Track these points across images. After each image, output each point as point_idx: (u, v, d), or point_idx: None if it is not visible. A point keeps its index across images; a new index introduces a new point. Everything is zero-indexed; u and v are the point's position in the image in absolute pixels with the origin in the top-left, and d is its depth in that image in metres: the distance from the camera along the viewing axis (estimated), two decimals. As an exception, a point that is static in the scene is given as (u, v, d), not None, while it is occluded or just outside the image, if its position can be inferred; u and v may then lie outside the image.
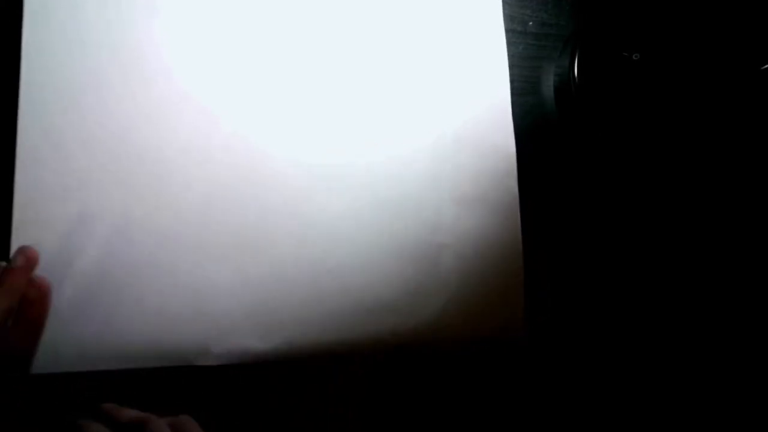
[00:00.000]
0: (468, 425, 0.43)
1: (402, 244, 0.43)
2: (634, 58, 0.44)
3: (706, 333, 0.46)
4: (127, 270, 0.39)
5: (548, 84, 0.47)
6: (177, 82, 0.42)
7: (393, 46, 0.45)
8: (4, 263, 0.35)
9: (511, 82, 0.46)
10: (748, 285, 0.47)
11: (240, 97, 0.43)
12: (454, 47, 0.46)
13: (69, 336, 0.38)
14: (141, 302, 0.39)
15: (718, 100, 0.44)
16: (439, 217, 0.44)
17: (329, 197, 0.43)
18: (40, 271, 0.36)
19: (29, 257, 0.35)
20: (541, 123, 0.47)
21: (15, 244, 0.38)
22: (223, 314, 0.40)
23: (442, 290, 0.43)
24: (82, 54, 0.41)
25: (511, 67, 0.47)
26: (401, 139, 0.44)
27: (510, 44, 0.47)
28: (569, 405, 0.44)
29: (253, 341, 0.40)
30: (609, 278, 0.47)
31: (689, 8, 0.45)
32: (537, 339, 0.45)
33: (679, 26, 0.45)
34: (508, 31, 0.47)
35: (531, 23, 0.48)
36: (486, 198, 0.45)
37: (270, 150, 0.42)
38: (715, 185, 0.48)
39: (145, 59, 0.41)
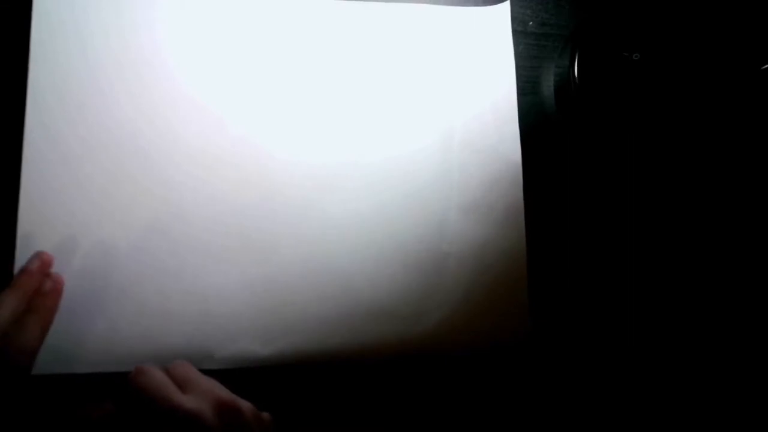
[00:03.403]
0: (472, 428, 0.43)
1: (408, 251, 0.44)
2: (634, 58, 0.44)
3: (710, 335, 0.46)
4: (131, 272, 0.40)
5: (548, 84, 0.47)
6: (183, 87, 0.42)
7: (402, 55, 0.45)
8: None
9: (511, 82, 0.47)
10: (749, 285, 0.47)
11: (246, 102, 0.43)
12: (462, 54, 0.46)
13: (72, 337, 0.38)
14: (144, 304, 0.40)
15: (718, 100, 0.44)
16: (444, 224, 0.44)
17: (336, 203, 0.43)
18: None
19: (44, 261, 0.37)
20: (541, 123, 0.48)
21: (20, 246, 0.38)
22: (227, 318, 0.41)
23: (447, 297, 0.44)
24: (86, 58, 0.41)
25: (511, 67, 0.47)
26: (408, 146, 0.45)
27: (510, 44, 0.47)
28: (573, 408, 0.44)
29: (258, 346, 0.41)
30: (609, 278, 0.47)
31: (689, 8, 0.45)
32: (540, 342, 0.45)
33: (679, 26, 0.45)
34: (508, 31, 0.47)
35: (531, 23, 0.48)
36: (492, 206, 0.45)
37: (277, 155, 0.43)
38: (716, 185, 0.48)
39: (150, 64, 0.42)
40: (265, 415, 0.32)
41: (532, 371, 0.44)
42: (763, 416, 0.44)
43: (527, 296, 0.45)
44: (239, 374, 0.40)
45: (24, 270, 0.36)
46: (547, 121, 0.48)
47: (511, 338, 0.44)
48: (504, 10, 0.47)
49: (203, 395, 0.30)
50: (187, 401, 0.29)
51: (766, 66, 0.44)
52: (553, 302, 0.46)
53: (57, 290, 0.37)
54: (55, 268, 0.38)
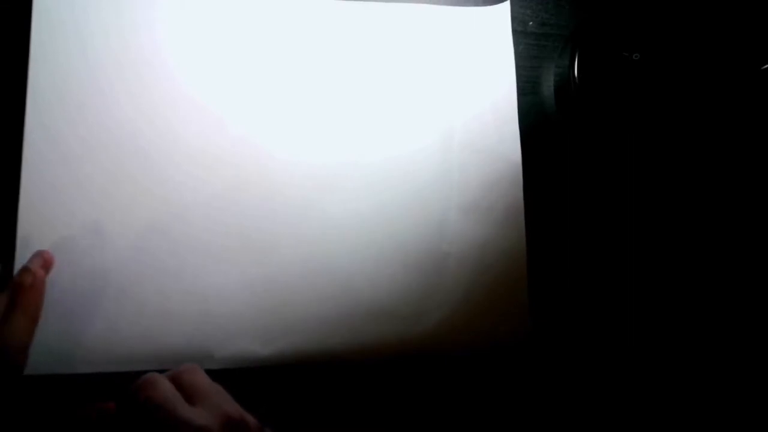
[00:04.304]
0: (472, 428, 0.43)
1: (408, 251, 0.43)
2: (634, 58, 0.44)
3: (710, 335, 0.46)
4: (131, 272, 0.40)
5: (548, 84, 0.47)
6: (183, 87, 0.42)
7: (402, 55, 0.45)
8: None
9: (511, 82, 0.47)
10: (749, 285, 0.47)
11: (246, 102, 0.43)
12: (462, 54, 0.46)
13: (71, 337, 0.38)
14: (144, 304, 0.40)
15: (718, 100, 0.44)
16: (444, 224, 0.44)
17: (336, 203, 0.43)
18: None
19: (45, 259, 0.37)
20: (541, 123, 0.48)
21: (20, 246, 0.38)
22: (227, 318, 0.41)
23: (447, 297, 0.44)
24: (86, 58, 0.41)
25: (512, 67, 0.47)
26: (408, 146, 0.45)
27: (510, 44, 0.47)
28: (573, 408, 0.44)
29: (258, 346, 0.41)
30: (609, 278, 0.47)
31: (689, 8, 0.45)
32: (540, 342, 0.45)
33: (679, 26, 0.45)
34: (508, 31, 0.47)
35: (531, 23, 0.48)
36: (492, 206, 0.45)
37: (277, 155, 0.43)
38: (716, 185, 0.48)
39: (150, 64, 0.42)
40: (268, 431, 0.32)
41: (532, 371, 0.44)
42: (763, 416, 0.44)
43: (527, 296, 0.45)
44: (239, 374, 0.40)
45: (22, 269, 0.36)
46: (547, 121, 0.48)
47: (511, 338, 0.44)
48: (504, 10, 0.47)
49: (211, 409, 0.30)
50: (195, 417, 0.29)
51: (766, 66, 0.44)
52: (553, 302, 0.46)
53: (36, 285, 0.36)
54: (55, 268, 0.38)
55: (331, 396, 0.42)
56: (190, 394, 0.30)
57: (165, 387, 0.30)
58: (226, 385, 0.33)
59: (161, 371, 0.32)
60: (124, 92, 0.41)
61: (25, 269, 0.36)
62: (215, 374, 0.33)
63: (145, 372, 0.31)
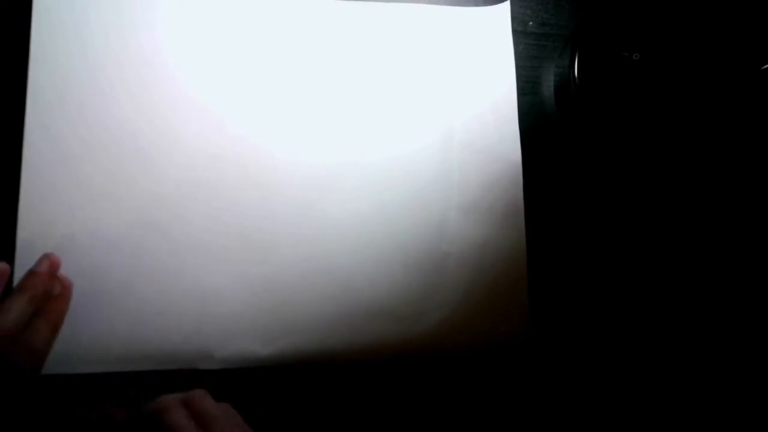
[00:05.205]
0: (472, 428, 0.43)
1: (408, 251, 0.44)
2: (634, 58, 0.44)
3: (710, 335, 0.46)
4: (132, 272, 0.40)
5: (548, 84, 0.47)
6: (183, 87, 0.42)
7: (402, 55, 0.45)
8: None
9: (511, 82, 0.46)
10: (749, 285, 0.47)
11: (246, 102, 0.43)
12: (462, 54, 0.46)
13: (72, 337, 0.38)
14: (144, 304, 0.40)
15: (718, 100, 0.44)
16: (444, 224, 0.44)
17: (336, 203, 0.43)
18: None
19: (53, 262, 0.38)
20: (541, 123, 0.48)
21: (20, 247, 0.38)
22: (227, 318, 0.41)
23: (447, 297, 0.44)
24: (86, 58, 0.41)
25: (512, 67, 0.47)
26: (408, 146, 0.45)
27: (510, 44, 0.47)
28: (573, 408, 0.44)
29: (258, 346, 0.41)
30: (609, 278, 0.47)
31: (689, 8, 0.45)
32: (540, 342, 0.45)
33: (679, 26, 0.45)
34: (508, 31, 0.47)
35: (531, 23, 0.48)
36: (492, 206, 0.45)
37: (277, 155, 0.43)
38: (716, 185, 0.48)
39: (150, 64, 0.42)
40: None
41: (532, 371, 0.44)
42: (763, 416, 0.44)
43: (527, 296, 0.45)
44: (239, 374, 0.40)
45: (33, 272, 0.37)
46: (547, 121, 0.48)
47: (511, 338, 0.44)
48: (504, 10, 0.47)
49: None
50: None
51: (766, 66, 0.44)
52: (553, 302, 0.46)
53: (66, 294, 0.37)
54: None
55: (331, 396, 0.42)
56: (201, 421, 0.31)
57: (181, 415, 0.31)
58: (226, 385, 0.33)
59: (161, 371, 0.32)
60: (124, 92, 0.41)
61: (55, 278, 0.37)
62: (215, 374, 0.34)
63: (145, 372, 0.31)
